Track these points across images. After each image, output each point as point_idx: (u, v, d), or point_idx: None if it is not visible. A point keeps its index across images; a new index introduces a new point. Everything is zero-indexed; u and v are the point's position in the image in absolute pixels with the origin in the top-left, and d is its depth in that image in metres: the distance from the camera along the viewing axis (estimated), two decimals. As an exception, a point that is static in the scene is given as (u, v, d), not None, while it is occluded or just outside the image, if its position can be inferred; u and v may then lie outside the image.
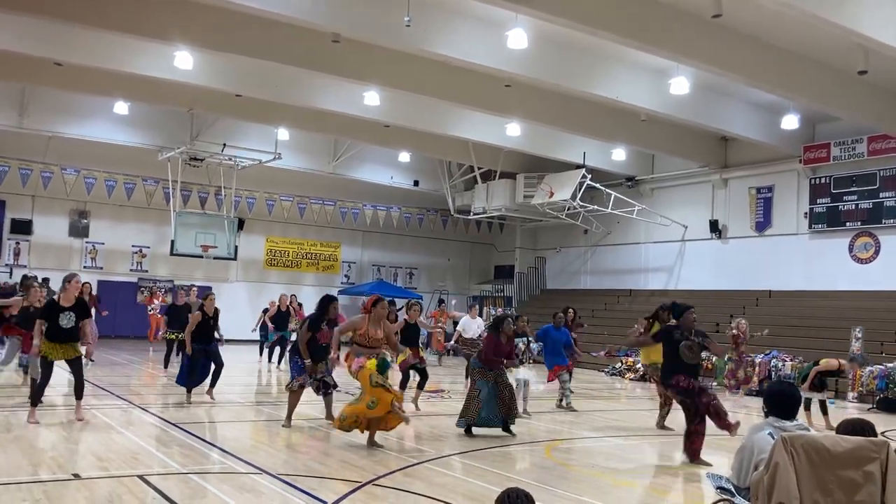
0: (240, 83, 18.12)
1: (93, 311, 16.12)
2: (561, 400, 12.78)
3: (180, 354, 12.20)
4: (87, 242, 25.05)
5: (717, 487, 4.79)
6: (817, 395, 11.88)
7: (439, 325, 19.74)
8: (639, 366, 19.68)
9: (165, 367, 15.64)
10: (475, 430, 9.64)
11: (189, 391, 11.43)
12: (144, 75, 17.24)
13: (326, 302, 9.65)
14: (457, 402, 13.12)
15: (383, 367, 8.43)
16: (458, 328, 15.63)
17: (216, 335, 11.60)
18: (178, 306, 16.14)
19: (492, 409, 9.59)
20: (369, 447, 8.32)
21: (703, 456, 8.28)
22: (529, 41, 14.08)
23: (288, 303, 18.15)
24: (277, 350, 18.19)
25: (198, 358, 11.33)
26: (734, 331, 15.81)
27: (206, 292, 11.85)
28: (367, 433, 8.46)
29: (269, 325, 18.12)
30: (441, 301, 19.63)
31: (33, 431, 8.50)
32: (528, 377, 11.83)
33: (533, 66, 15.59)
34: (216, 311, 11.59)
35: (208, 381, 11.56)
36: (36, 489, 6.02)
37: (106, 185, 24.30)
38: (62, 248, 24.54)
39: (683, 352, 8.24)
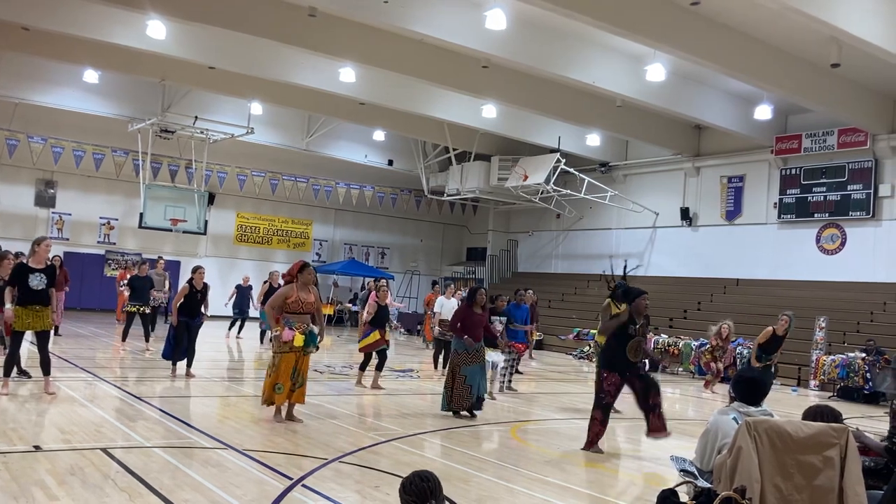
0: (213, 55, 17.85)
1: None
2: (510, 382, 12.66)
3: (167, 327, 12.03)
4: (53, 213, 24.63)
5: (681, 470, 4.85)
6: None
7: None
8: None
9: (123, 339, 15.27)
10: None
11: (174, 364, 11.43)
12: (115, 44, 16.90)
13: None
14: (424, 381, 13.19)
15: (310, 341, 8.39)
16: (435, 310, 14.98)
17: (202, 310, 11.53)
18: (140, 278, 15.87)
19: (481, 386, 9.74)
20: (287, 421, 8.37)
21: (666, 441, 8.26)
22: (508, 22, 14.03)
23: (279, 280, 17.74)
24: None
25: (182, 332, 11.27)
26: (724, 330, 15.31)
27: (195, 266, 11.77)
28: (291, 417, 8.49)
29: (258, 303, 17.68)
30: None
31: (-6, 402, 8.36)
32: (498, 359, 11.78)
33: (511, 47, 15.53)
34: (205, 286, 11.57)
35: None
36: (-5, 460, 5.92)
37: (74, 154, 23.82)
38: (27, 218, 24.07)
39: (630, 348, 7.92)
